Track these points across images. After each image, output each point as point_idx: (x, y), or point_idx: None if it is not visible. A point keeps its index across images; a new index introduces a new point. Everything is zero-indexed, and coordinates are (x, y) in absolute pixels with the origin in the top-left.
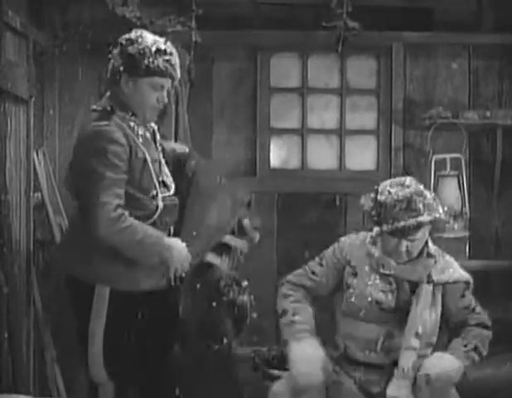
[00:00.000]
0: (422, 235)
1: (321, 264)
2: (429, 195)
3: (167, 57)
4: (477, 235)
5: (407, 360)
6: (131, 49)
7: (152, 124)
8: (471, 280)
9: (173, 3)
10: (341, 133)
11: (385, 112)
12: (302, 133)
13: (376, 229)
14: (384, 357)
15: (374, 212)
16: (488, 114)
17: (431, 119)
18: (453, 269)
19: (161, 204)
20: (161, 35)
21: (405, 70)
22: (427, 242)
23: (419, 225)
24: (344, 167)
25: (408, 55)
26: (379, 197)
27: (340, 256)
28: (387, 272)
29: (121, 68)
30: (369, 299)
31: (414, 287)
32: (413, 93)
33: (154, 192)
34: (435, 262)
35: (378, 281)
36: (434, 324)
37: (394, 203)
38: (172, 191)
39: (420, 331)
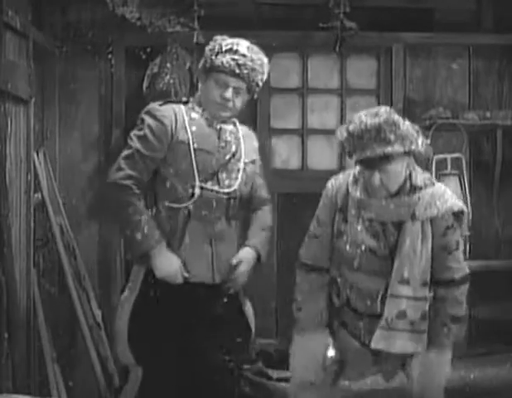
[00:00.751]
0: (397, 167)
1: (319, 224)
2: (405, 126)
3: (236, 56)
4: (478, 234)
5: (391, 309)
6: (207, 47)
7: (228, 125)
8: (465, 210)
9: (173, 4)
10: None
11: None
12: (302, 133)
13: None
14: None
15: (346, 143)
16: (488, 114)
17: (431, 120)
18: (443, 200)
19: (197, 192)
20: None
21: (405, 70)
22: (411, 175)
23: (387, 157)
24: (344, 168)
25: (408, 55)
26: (349, 127)
27: (330, 205)
28: (368, 215)
29: (198, 65)
30: (363, 247)
31: (400, 228)
32: (413, 93)
33: (193, 182)
34: (419, 198)
35: (367, 225)
36: (426, 262)
37: (362, 133)
38: (227, 190)
39: (406, 275)
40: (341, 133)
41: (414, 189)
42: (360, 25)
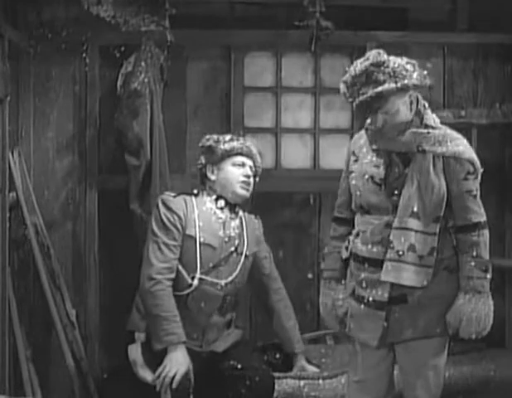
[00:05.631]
0: (395, 105)
1: (343, 179)
2: (396, 63)
3: (241, 141)
4: None
5: (400, 240)
6: (205, 145)
7: (234, 218)
8: (477, 166)
9: (147, 2)
10: (315, 132)
11: None
12: (276, 132)
13: None
14: (384, 251)
15: (345, 93)
16: (463, 113)
17: None
18: (455, 144)
19: (196, 283)
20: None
21: None
22: (420, 112)
23: (380, 95)
24: (318, 167)
25: None
26: (344, 78)
27: (347, 154)
28: (376, 147)
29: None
30: (366, 177)
31: (408, 160)
32: None
33: (194, 273)
34: (428, 133)
35: (374, 158)
36: (438, 197)
37: (354, 79)
38: (224, 281)
39: (416, 209)
40: (341, 86)
41: (425, 126)
42: (334, 23)
